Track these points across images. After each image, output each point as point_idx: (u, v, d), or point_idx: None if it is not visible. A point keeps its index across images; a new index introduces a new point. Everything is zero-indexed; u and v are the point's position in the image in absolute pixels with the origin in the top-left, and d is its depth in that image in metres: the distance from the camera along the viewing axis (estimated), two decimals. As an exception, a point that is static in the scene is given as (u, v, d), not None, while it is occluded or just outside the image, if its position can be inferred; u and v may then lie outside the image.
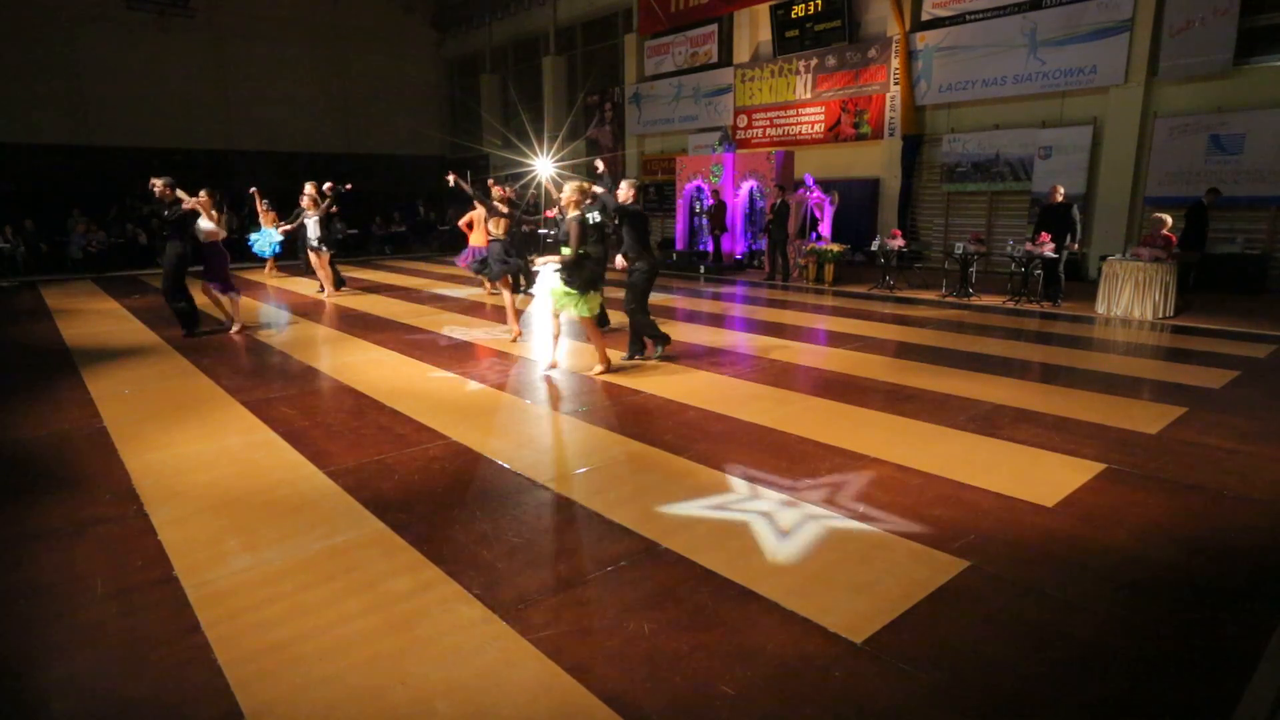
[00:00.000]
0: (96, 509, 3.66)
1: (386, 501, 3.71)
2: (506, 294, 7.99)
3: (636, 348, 6.84)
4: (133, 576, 2.99)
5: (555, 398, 5.71)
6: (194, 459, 4.35)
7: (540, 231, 9.18)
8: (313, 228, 10.50)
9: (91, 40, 18.59)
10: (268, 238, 12.36)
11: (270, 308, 10.45)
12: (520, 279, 9.21)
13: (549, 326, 6.48)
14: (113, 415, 5.22)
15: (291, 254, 16.12)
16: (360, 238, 19.84)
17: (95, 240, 16.15)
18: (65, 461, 4.33)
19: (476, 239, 9.17)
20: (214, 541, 3.30)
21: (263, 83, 21.16)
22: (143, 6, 19.01)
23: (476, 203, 8.09)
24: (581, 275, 5.92)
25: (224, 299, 8.28)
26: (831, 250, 12.15)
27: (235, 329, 8.24)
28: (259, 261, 14.87)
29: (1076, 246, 9.54)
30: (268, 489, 3.90)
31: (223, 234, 8.12)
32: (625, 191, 6.60)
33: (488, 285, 8.32)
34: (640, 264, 6.56)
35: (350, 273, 14.90)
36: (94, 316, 9.72)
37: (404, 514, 3.56)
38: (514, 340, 7.77)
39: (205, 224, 7.86)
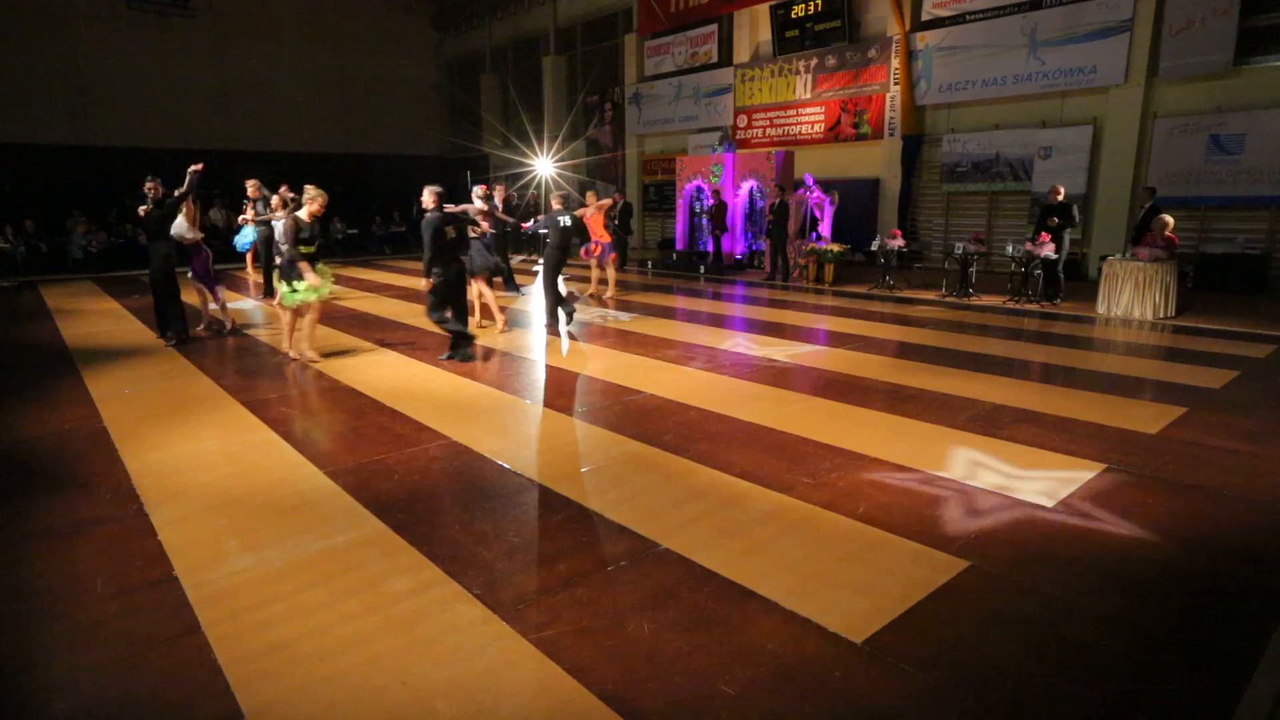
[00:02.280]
0: (96, 509, 3.66)
1: (386, 501, 3.71)
2: (486, 290, 8.25)
3: (458, 347, 6.93)
4: (133, 576, 3.00)
5: (556, 398, 5.71)
6: (194, 459, 4.35)
7: (542, 232, 9.56)
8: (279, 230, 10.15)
9: (91, 40, 18.58)
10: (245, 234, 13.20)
11: (265, 307, 10.45)
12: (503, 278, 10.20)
13: (287, 319, 6.94)
14: (113, 415, 5.22)
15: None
16: (360, 238, 19.85)
17: (95, 240, 16.15)
18: (65, 461, 4.33)
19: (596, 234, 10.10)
20: (214, 541, 3.30)
21: (263, 82, 21.14)
22: (143, 6, 19.00)
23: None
24: (294, 271, 6.56)
25: (210, 297, 8.10)
26: (831, 250, 12.14)
27: (228, 326, 8.21)
28: (241, 260, 14.86)
29: (1056, 221, 9.57)
30: (268, 489, 3.90)
31: (199, 236, 7.91)
32: (427, 199, 6.68)
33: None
34: (438, 270, 6.67)
35: (351, 273, 14.91)
36: (94, 316, 9.71)
37: (404, 514, 3.56)
38: (501, 331, 8.14)
39: (182, 230, 7.64)
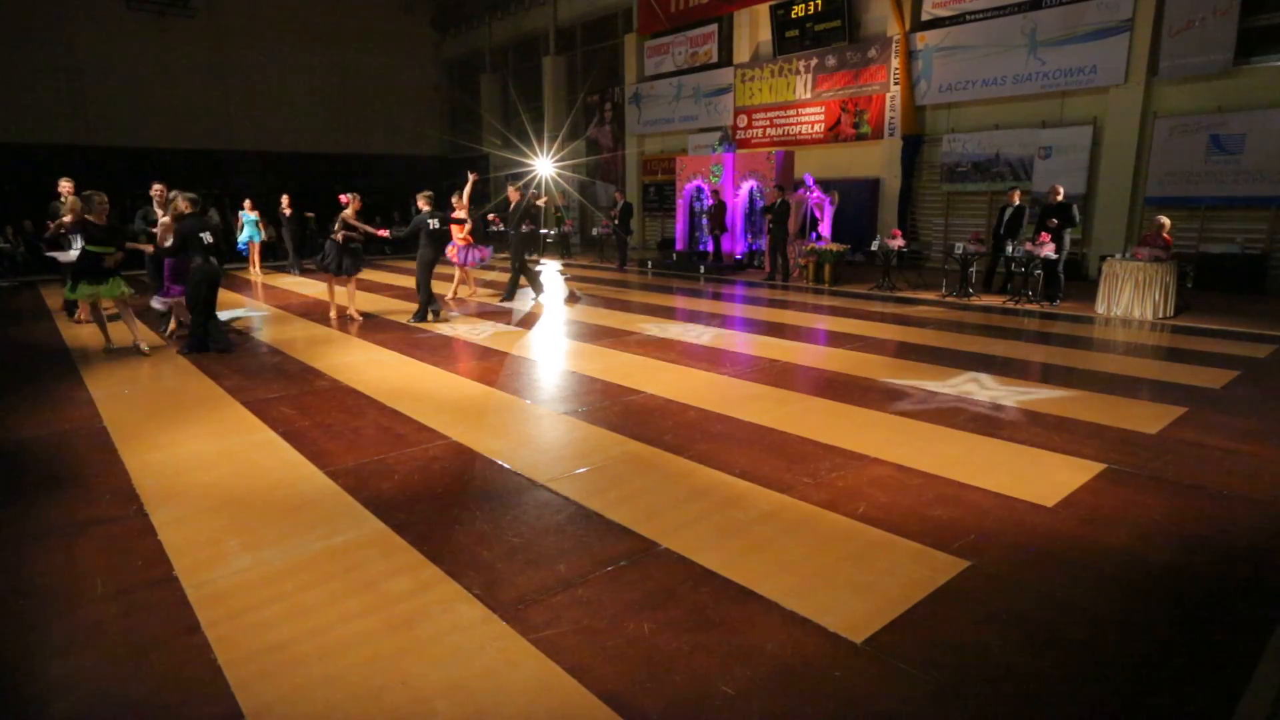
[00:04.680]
0: (96, 509, 3.66)
1: (386, 501, 3.71)
2: (336, 285, 9.20)
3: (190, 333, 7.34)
4: (133, 576, 2.99)
5: (555, 397, 5.71)
6: (194, 459, 4.35)
7: (543, 232, 9.89)
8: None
9: (91, 40, 18.60)
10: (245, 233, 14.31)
11: (268, 308, 10.45)
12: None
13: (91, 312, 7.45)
14: (113, 415, 5.22)
15: (273, 254, 16.22)
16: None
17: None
18: (65, 461, 4.33)
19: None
20: (214, 541, 3.30)
21: (262, 83, 21.16)
22: (142, 6, 19.02)
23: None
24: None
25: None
26: (831, 250, 12.15)
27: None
28: (243, 261, 14.96)
29: (1055, 222, 9.58)
30: (268, 489, 3.90)
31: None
32: (181, 204, 7.19)
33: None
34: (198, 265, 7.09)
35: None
36: (94, 316, 9.69)
37: (404, 514, 3.56)
38: (335, 317, 9.09)
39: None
